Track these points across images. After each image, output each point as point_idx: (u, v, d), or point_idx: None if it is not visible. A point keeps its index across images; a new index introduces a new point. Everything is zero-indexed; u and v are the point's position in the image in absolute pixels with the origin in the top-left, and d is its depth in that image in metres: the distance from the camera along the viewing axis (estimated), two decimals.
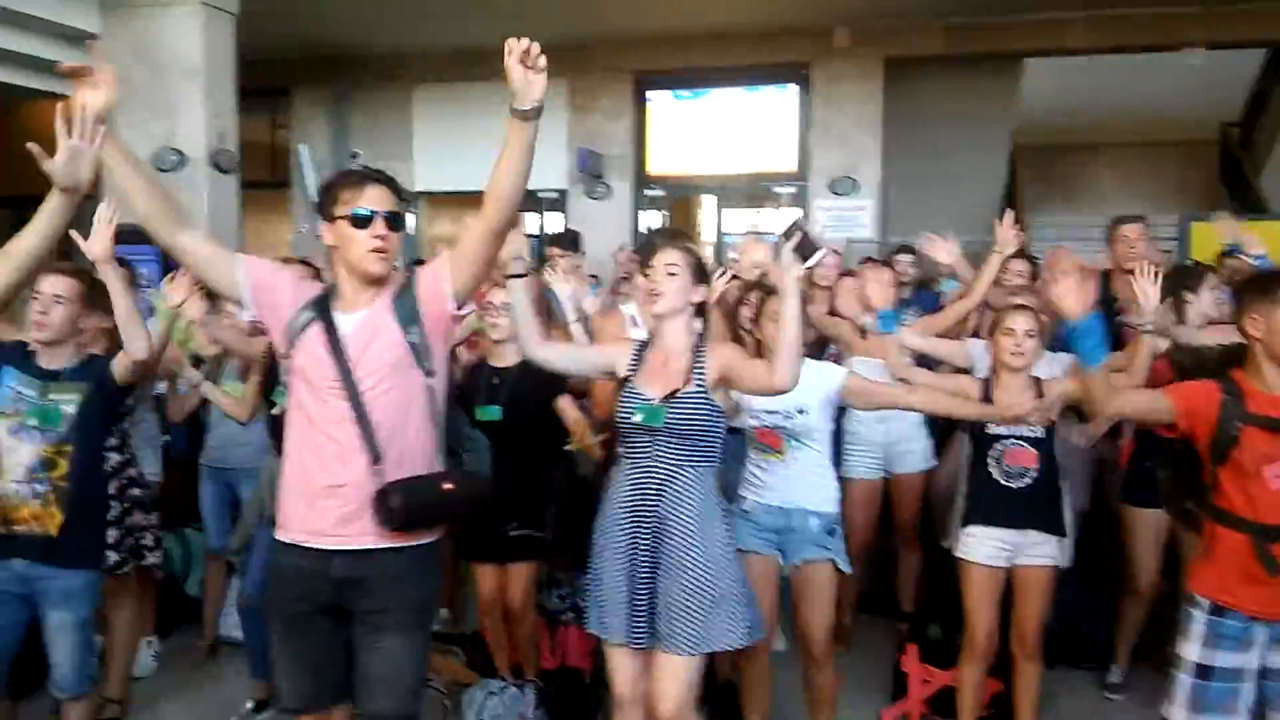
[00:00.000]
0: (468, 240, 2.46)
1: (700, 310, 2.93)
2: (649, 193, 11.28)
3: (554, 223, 11.34)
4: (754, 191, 11.22)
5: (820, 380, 3.31)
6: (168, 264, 7.33)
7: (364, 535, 2.42)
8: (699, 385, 2.81)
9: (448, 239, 10.97)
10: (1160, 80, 12.98)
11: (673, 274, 2.86)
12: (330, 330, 2.43)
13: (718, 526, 2.83)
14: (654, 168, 11.21)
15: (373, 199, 2.42)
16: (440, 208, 11.97)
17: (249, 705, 3.86)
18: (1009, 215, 4.29)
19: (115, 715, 3.74)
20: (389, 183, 2.50)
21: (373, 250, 2.42)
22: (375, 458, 2.39)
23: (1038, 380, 3.48)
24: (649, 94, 11.13)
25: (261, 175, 11.14)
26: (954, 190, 11.88)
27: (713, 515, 2.83)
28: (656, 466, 2.80)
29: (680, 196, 11.61)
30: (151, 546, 3.91)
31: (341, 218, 2.43)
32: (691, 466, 2.80)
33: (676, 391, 2.78)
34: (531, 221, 11.81)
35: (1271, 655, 2.62)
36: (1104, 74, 13.15)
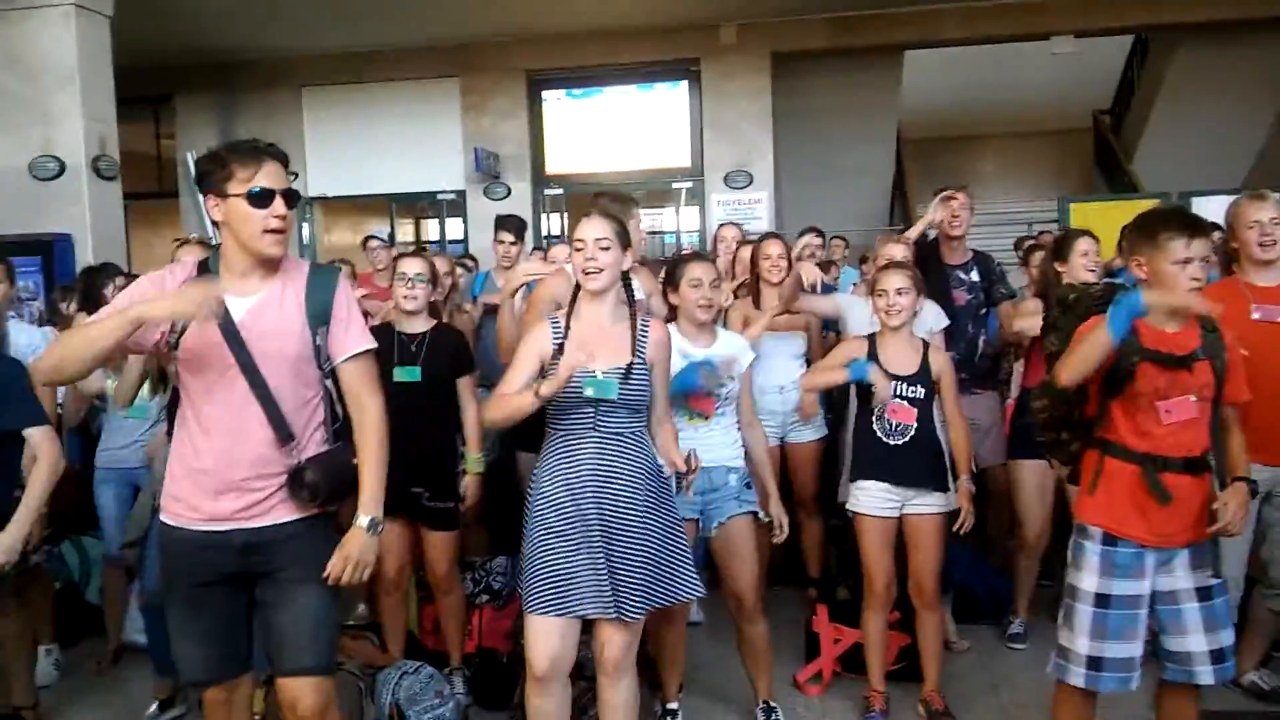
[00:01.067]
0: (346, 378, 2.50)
1: (626, 278, 2.96)
2: (548, 192, 11.31)
3: (453, 226, 11.28)
4: (652, 188, 11.34)
5: (739, 351, 3.50)
6: (51, 276, 7.14)
7: (269, 513, 2.41)
8: (641, 357, 2.86)
9: (342, 249, 10.81)
10: (1034, 71, 13.58)
11: (605, 248, 2.88)
12: (227, 323, 2.35)
13: (661, 488, 2.91)
14: (552, 166, 11.24)
15: (270, 176, 2.36)
16: (334, 213, 11.80)
17: (154, 706, 3.76)
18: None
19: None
20: (283, 159, 2.44)
21: (270, 230, 2.36)
22: (287, 437, 2.38)
23: (923, 341, 3.67)
24: (544, 93, 11.16)
25: (148, 186, 10.85)
26: (845, 181, 12.23)
27: (656, 478, 2.89)
28: (600, 437, 2.83)
29: (579, 194, 11.71)
30: (34, 548, 3.76)
31: (236, 195, 2.34)
32: (633, 434, 2.86)
33: (631, 365, 2.83)
34: (431, 226, 11.74)
35: (1160, 579, 2.73)
36: (981, 66, 13.70)
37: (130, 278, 5.33)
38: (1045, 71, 13.17)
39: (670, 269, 3.63)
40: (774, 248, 4.45)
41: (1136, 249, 2.76)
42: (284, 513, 2.42)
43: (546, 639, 2.79)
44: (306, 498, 2.39)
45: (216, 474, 2.38)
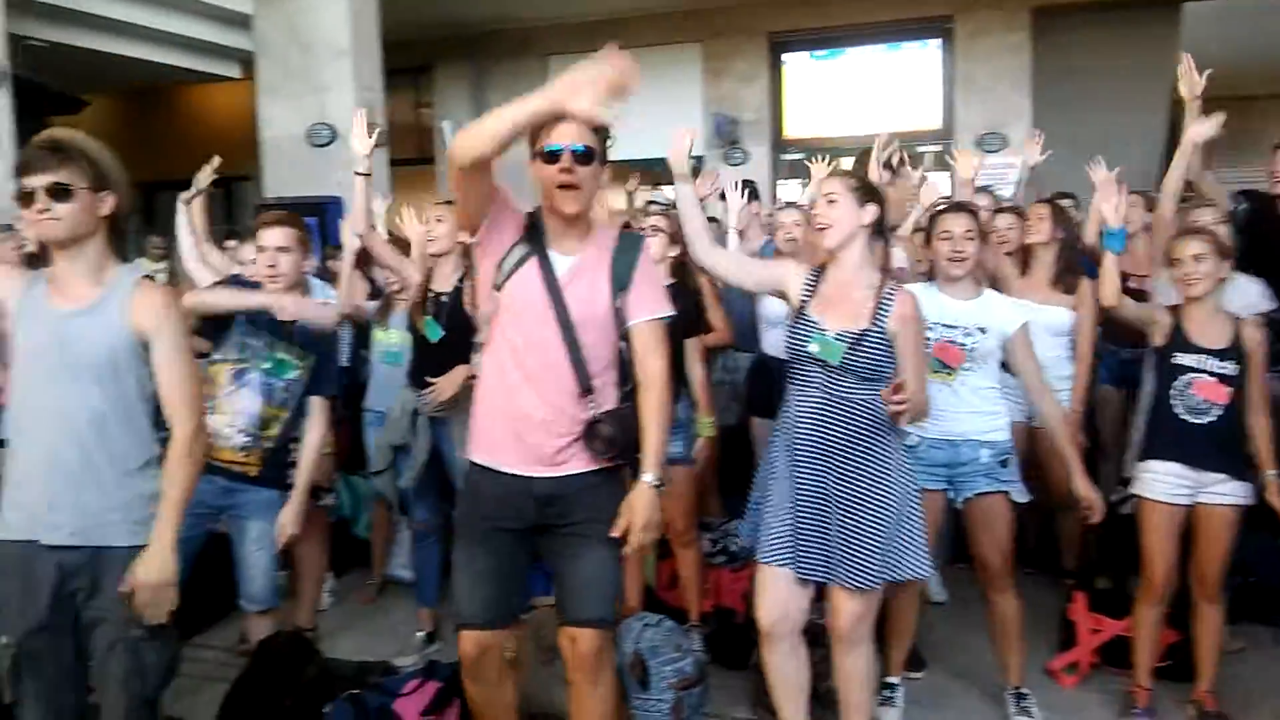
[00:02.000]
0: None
1: (879, 229, 2.86)
2: (786, 157, 11.13)
3: None
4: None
5: (1002, 313, 3.26)
6: (325, 236, 7.68)
7: (570, 462, 2.51)
8: (879, 327, 2.76)
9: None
10: None
11: (832, 201, 2.81)
12: (546, 267, 2.47)
13: (899, 460, 2.81)
14: (791, 131, 11.05)
15: (564, 134, 2.38)
16: None
17: (420, 634, 3.99)
18: None
19: (312, 639, 3.91)
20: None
21: (559, 186, 2.41)
22: (586, 389, 2.48)
23: (1234, 316, 3.32)
24: (785, 56, 10.97)
25: (408, 153, 11.47)
26: (1110, 147, 11.32)
27: (892, 449, 2.80)
28: (831, 398, 2.77)
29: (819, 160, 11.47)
30: (326, 489, 4.08)
31: (536, 155, 2.43)
32: (864, 402, 2.75)
33: (865, 332, 2.74)
34: (668, 192, 11.81)
35: None
36: (1271, 19, 12.30)
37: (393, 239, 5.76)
38: None
39: (928, 223, 3.46)
40: (1001, 220, 4.18)
41: None
42: (579, 464, 2.52)
43: (773, 589, 2.83)
44: (601, 449, 2.49)
45: (522, 419, 2.50)
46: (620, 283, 2.52)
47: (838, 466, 2.76)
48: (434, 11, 10.35)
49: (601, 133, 2.43)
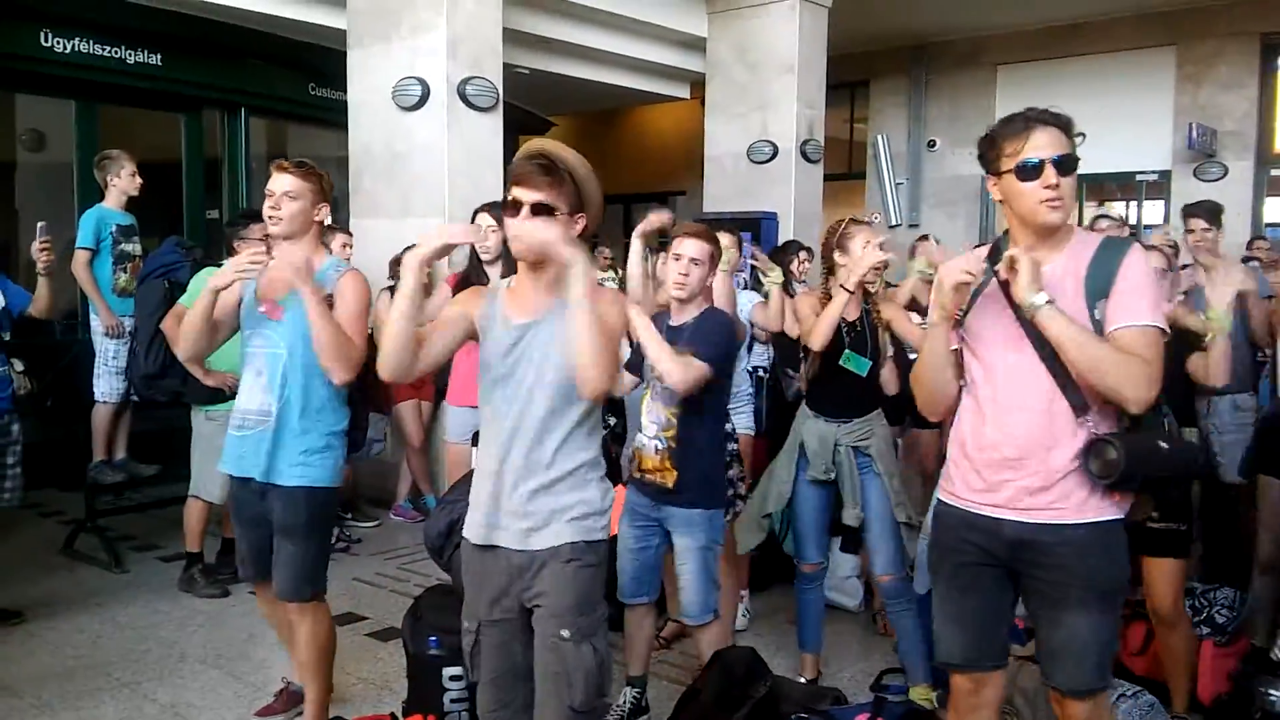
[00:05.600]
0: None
1: None
2: (1275, 172, 9.65)
3: (1153, 210, 10.19)
4: None
5: None
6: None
7: (1045, 510, 2.23)
8: None
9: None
10: None
11: None
12: (1006, 288, 2.26)
13: None
14: None
15: (1039, 145, 2.20)
16: None
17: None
18: None
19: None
20: (1057, 122, 2.25)
21: (1044, 202, 2.20)
22: (1080, 407, 2.20)
23: None
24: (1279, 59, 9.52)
25: (839, 167, 11.42)
26: None
27: None
28: None
29: None
30: (743, 496, 3.98)
31: (1007, 171, 2.24)
32: None
33: None
34: (1126, 208, 10.73)
35: None
36: None
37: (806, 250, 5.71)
38: None
39: None
40: None
41: None
42: (1063, 514, 2.22)
43: None
44: (1099, 471, 2.17)
45: (992, 452, 2.28)
46: (1098, 292, 2.20)
47: None
48: (877, 25, 10.19)
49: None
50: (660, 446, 3.16)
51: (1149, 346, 2.14)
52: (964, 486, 2.35)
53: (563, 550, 2.26)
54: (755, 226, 8.07)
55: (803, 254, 5.66)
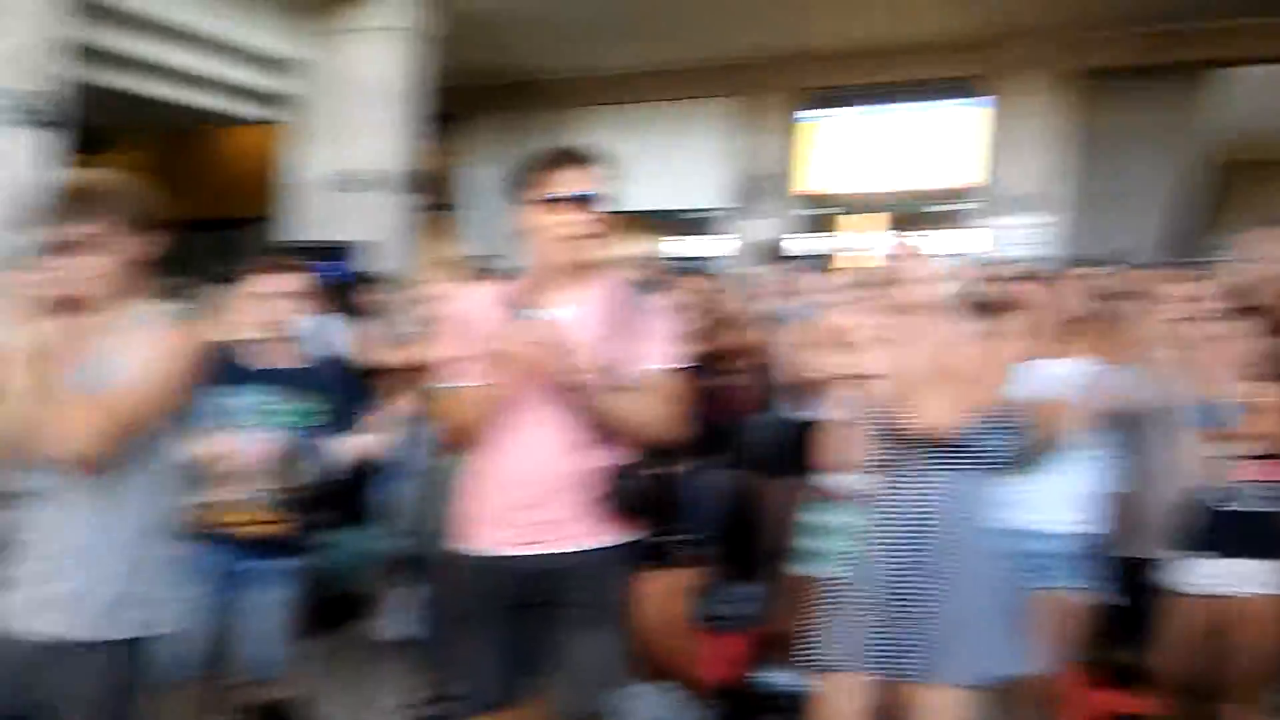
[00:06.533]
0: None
1: None
2: (804, 212, 11.03)
3: (707, 245, 11.21)
4: (930, 209, 10.79)
5: None
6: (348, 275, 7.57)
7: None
8: None
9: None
10: None
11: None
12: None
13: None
14: (815, 186, 11.01)
15: (568, 180, 2.26)
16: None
17: None
18: None
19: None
20: (587, 160, 2.30)
21: (568, 238, 2.26)
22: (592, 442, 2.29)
23: None
24: (813, 112, 10.94)
25: (430, 199, 11.43)
26: (1140, 209, 11.18)
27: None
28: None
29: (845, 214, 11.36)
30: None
31: (535, 203, 2.28)
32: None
33: None
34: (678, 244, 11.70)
35: None
36: None
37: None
38: None
39: None
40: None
41: None
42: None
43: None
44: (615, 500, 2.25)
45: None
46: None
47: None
48: (472, 59, 10.37)
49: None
50: None
51: (667, 386, 2.27)
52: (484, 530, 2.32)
53: None
54: (339, 255, 7.88)
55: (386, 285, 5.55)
